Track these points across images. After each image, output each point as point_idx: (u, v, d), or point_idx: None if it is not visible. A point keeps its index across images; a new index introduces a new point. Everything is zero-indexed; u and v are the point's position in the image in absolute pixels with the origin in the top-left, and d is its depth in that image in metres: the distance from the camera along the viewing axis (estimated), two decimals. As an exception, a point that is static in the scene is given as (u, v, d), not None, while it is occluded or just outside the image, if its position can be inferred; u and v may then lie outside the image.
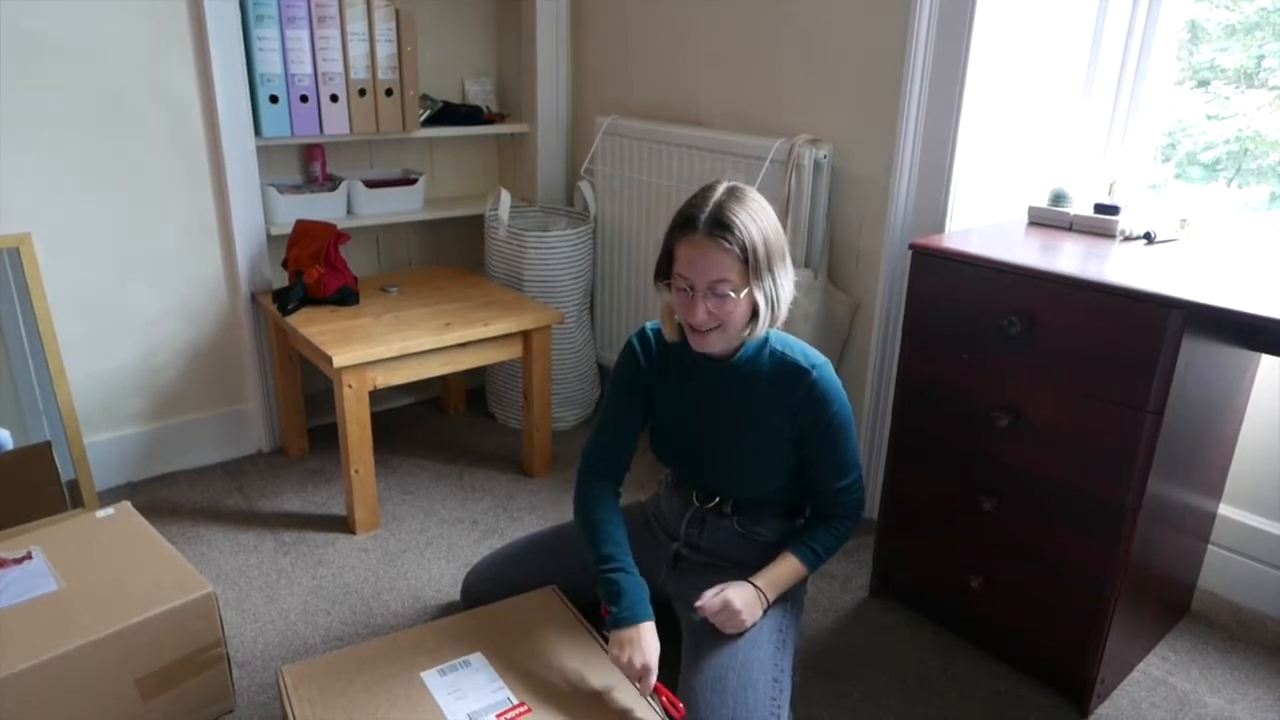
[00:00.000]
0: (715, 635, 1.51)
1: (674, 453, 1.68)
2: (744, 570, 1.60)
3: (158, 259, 2.31)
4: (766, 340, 1.54)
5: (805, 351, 1.55)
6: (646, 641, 1.44)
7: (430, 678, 1.45)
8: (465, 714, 1.37)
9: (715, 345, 1.48)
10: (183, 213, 2.31)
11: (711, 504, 1.65)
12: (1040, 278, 1.53)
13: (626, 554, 1.55)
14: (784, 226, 2.13)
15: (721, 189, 1.45)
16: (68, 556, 1.61)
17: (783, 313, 1.49)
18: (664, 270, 1.49)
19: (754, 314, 1.47)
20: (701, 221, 1.40)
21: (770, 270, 1.43)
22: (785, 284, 1.47)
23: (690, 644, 1.55)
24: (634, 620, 1.46)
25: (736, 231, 1.39)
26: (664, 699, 1.43)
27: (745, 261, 1.40)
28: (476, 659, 1.49)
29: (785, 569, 1.58)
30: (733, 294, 1.41)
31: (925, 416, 1.76)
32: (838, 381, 1.55)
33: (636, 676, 1.42)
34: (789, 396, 1.52)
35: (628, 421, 1.66)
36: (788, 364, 1.53)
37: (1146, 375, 1.43)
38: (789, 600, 1.61)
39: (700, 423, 1.61)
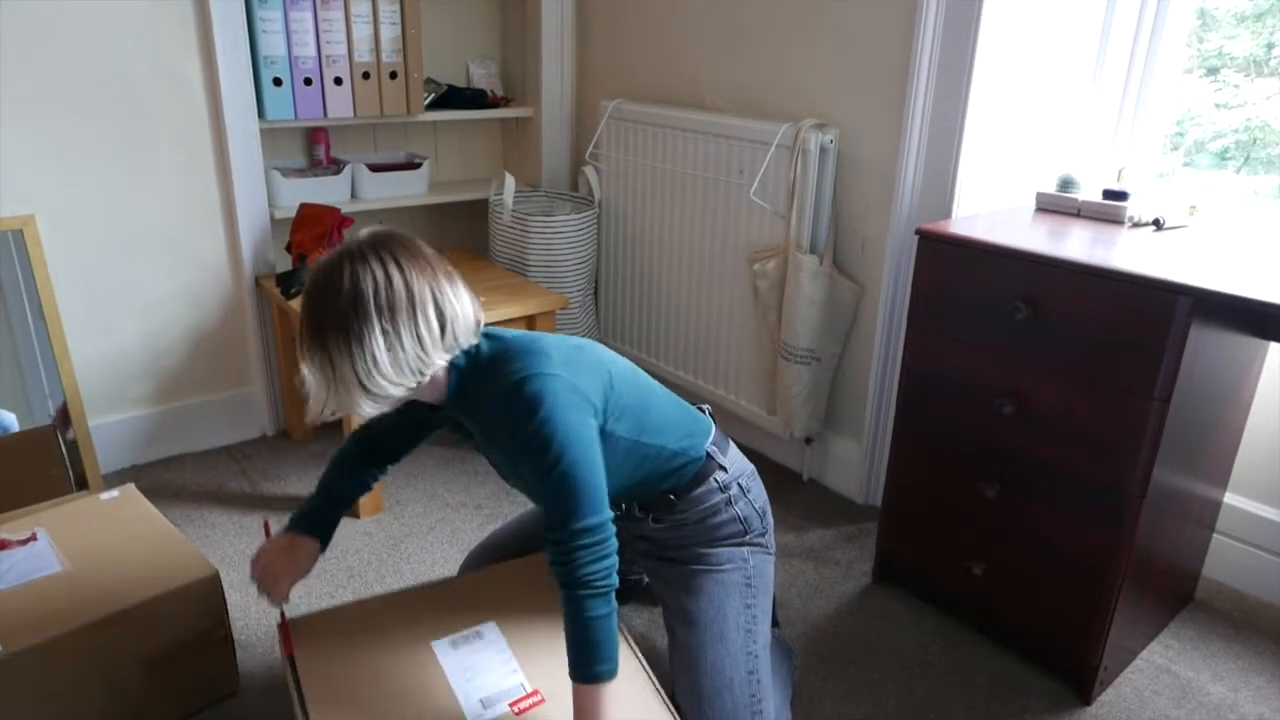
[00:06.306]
0: (684, 634, 1.46)
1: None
2: (705, 550, 1.52)
3: (161, 242, 2.30)
4: (463, 369, 1.31)
5: (516, 368, 1.27)
6: (278, 548, 1.43)
7: (442, 649, 1.43)
8: (478, 699, 1.36)
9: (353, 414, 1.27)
10: (186, 195, 2.31)
11: (621, 513, 1.50)
12: (1047, 263, 1.52)
13: (330, 496, 1.49)
14: (789, 211, 2.16)
15: (336, 254, 1.23)
16: (72, 538, 1.61)
17: (355, 394, 1.22)
18: None
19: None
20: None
21: (323, 347, 1.20)
22: (351, 358, 1.19)
23: (669, 646, 1.51)
24: (289, 529, 1.46)
25: (303, 317, 1.23)
26: (284, 634, 1.42)
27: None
28: (489, 629, 1.47)
29: (576, 703, 1.26)
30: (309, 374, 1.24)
31: (929, 402, 1.76)
32: (553, 398, 1.24)
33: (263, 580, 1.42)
34: (507, 416, 1.28)
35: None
36: (499, 384, 1.28)
37: (1153, 362, 1.42)
38: (748, 574, 1.50)
39: (505, 468, 1.43)
